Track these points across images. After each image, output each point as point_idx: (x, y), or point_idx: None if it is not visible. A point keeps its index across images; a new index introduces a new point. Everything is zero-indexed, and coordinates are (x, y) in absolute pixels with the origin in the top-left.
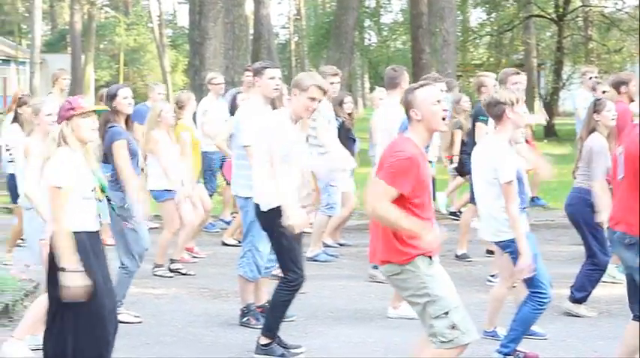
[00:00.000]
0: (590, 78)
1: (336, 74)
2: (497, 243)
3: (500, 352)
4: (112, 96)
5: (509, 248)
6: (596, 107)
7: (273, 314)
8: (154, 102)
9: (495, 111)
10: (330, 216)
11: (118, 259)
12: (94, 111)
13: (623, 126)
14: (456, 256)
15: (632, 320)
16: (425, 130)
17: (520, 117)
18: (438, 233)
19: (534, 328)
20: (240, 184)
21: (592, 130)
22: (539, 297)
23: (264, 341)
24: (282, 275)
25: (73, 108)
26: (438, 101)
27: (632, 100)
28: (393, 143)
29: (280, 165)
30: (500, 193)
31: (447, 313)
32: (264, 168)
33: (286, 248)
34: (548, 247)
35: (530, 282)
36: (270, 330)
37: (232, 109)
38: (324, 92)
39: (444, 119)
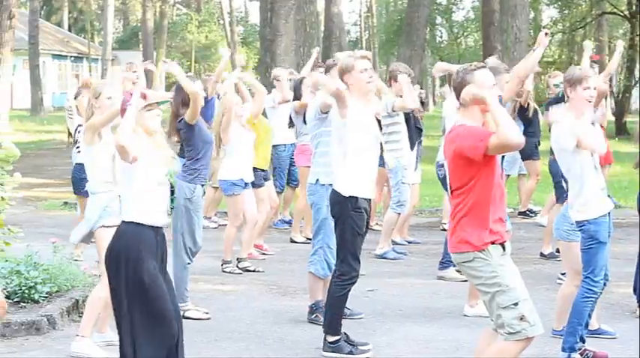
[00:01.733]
0: None
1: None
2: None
3: (563, 349)
4: (180, 89)
5: (582, 230)
6: None
7: (332, 311)
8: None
9: None
10: (399, 214)
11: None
12: (157, 102)
13: None
14: (542, 255)
15: None
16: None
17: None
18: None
19: (604, 327)
20: (319, 172)
21: None
22: (590, 284)
23: (330, 338)
24: (336, 269)
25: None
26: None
27: None
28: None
29: (359, 156)
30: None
31: (516, 304)
32: (347, 157)
33: (349, 240)
34: (618, 246)
35: (586, 265)
36: (332, 327)
37: (296, 96)
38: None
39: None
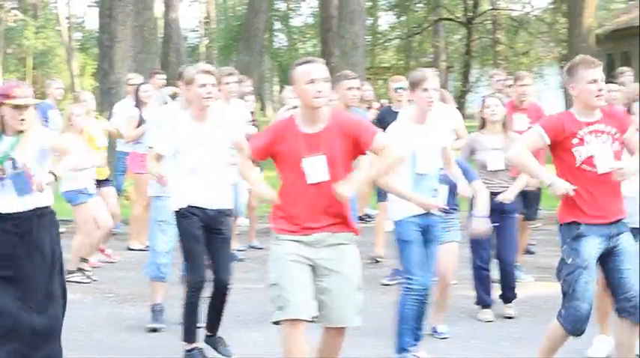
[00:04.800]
0: (498, 81)
1: (231, 74)
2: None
3: (395, 350)
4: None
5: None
6: None
7: (184, 319)
8: (54, 98)
9: None
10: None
11: None
12: None
13: None
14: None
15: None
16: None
17: None
18: None
19: (441, 328)
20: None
21: None
22: (407, 283)
23: (186, 346)
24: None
25: None
26: (312, 80)
27: None
28: None
29: (192, 171)
30: None
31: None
32: (180, 172)
33: (186, 248)
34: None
35: (402, 264)
36: (186, 335)
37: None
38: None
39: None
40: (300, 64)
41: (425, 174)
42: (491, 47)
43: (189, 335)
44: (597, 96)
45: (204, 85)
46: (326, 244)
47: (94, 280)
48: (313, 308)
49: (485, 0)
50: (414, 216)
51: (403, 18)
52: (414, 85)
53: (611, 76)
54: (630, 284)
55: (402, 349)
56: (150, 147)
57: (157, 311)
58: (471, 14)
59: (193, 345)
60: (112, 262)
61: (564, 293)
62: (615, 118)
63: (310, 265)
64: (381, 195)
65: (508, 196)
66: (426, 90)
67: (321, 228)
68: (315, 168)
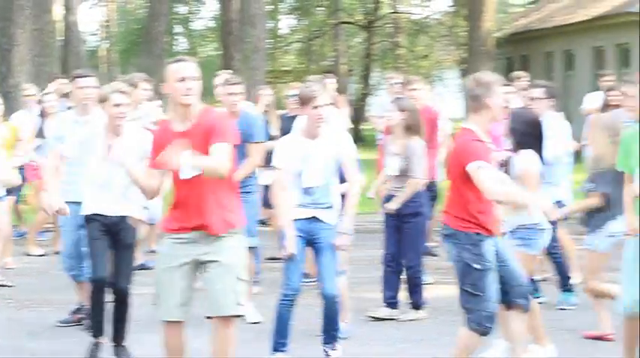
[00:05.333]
0: (395, 84)
1: (147, 80)
2: None
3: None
4: None
5: None
6: None
7: (90, 315)
8: None
9: None
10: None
11: None
12: None
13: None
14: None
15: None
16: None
17: None
18: None
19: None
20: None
21: None
22: (284, 286)
23: (92, 340)
24: None
25: None
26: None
27: None
28: None
29: (96, 179)
30: None
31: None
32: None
33: (88, 251)
34: (354, 251)
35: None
36: (93, 330)
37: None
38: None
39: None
40: (172, 63)
41: (312, 187)
42: (392, 51)
43: (94, 330)
44: None
45: (118, 105)
46: (206, 237)
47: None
48: (184, 311)
49: (386, 3)
50: (297, 221)
51: (304, 21)
52: (304, 102)
53: (508, 80)
54: (518, 273)
55: (275, 349)
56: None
57: (78, 310)
58: (372, 18)
59: (98, 340)
60: (11, 268)
61: (471, 298)
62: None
63: (191, 262)
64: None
65: (391, 206)
66: (316, 107)
67: (200, 222)
68: (183, 164)
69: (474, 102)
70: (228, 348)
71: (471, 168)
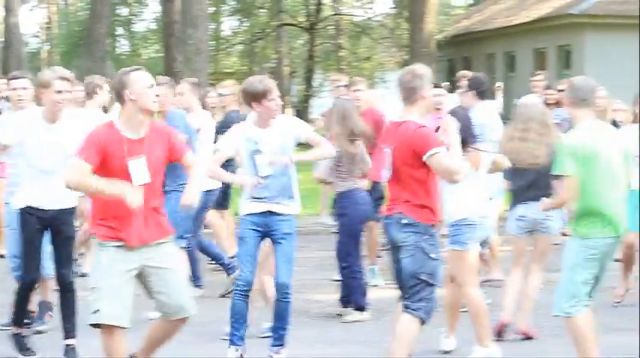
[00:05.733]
0: (339, 86)
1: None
2: None
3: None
4: None
5: None
6: None
7: (14, 307)
8: None
9: None
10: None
11: None
12: None
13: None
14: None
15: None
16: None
17: None
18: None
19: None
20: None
21: None
22: (238, 279)
23: (14, 330)
24: None
25: None
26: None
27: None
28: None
29: (38, 174)
30: None
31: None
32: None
33: (22, 250)
34: (301, 253)
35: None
36: (15, 320)
37: None
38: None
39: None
40: (133, 71)
41: (267, 176)
42: (334, 52)
43: (16, 321)
44: None
45: (59, 92)
46: (150, 244)
47: None
48: (128, 317)
49: (328, 5)
50: (252, 215)
51: (246, 23)
52: (260, 96)
53: (452, 81)
54: None
55: (231, 342)
56: None
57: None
58: (314, 19)
59: (19, 330)
60: None
61: (427, 288)
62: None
63: (135, 269)
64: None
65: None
66: (272, 99)
67: (145, 230)
68: (138, 171)
69: (411, 94)
70: (167, 340)
71: (429, 156)
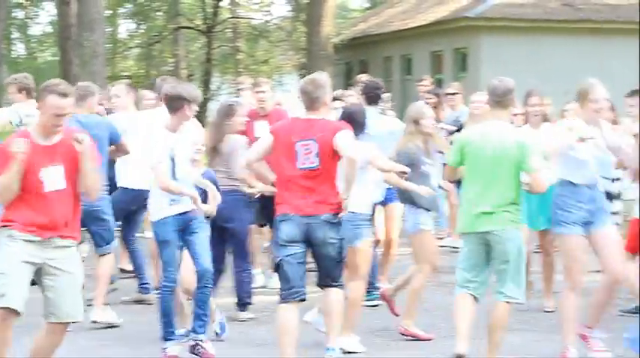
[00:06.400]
0: (243, 89)
1: None
2: None
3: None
4: None
5: None
6: None
7: None
8: None
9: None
10: None
11: None
12: None
13: None
14: None
15: None
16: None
17: None
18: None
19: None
20: None
21: None
22: (162, 279)
23: None
24: None
25: None
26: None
27: None
28: None
29: None
30: None
31: None
32: None
33: None
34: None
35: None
36: None
37: None
38: None
39: None
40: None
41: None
42: (232, 55)
43: None
44: None
45: None
46: (55, 246)
47: None
48: (24, 306)
49: (226, 9)
50: (171, 217)
51: (143, 26)
52: (188, 102)
53: (349, 84)
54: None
55: (165, 340)
56: None
57: None
58: (211, 22)
59: None
60: None
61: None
62: None
63: (37, 264)
64: None
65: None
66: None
67: (53, 232)
68: (53, 178)
69: (315, 102)
70: (54, 350)
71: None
